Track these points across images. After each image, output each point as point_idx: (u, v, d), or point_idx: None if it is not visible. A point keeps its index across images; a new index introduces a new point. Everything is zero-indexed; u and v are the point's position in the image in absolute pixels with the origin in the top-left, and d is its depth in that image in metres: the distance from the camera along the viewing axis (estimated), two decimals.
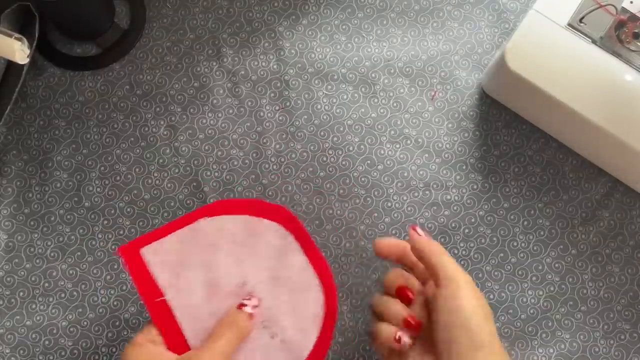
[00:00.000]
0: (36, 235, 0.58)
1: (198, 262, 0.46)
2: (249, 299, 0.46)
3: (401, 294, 0.45)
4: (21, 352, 0.57)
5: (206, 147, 0.60)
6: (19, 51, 0.47)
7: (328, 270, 0.47)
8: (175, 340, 0.45)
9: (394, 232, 0.58)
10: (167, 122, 0.60)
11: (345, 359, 0.57)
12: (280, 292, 0.47)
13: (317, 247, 0.47)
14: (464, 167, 0.59)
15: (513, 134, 0.60)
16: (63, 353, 0.57)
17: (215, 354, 0.43)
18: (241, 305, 0.46)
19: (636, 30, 0.54)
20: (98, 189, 0.59)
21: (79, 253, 0.58)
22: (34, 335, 0.57)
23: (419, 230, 0.45)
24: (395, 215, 0.58)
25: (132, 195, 0.59)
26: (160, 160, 0.60)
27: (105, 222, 0.59)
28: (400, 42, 0.62)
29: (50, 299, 0.57)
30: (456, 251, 0.58)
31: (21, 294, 0.58)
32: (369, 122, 0.60)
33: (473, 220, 0.59)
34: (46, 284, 0.58)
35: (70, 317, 0.57)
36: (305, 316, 0.47)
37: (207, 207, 0.47)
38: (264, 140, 0.60)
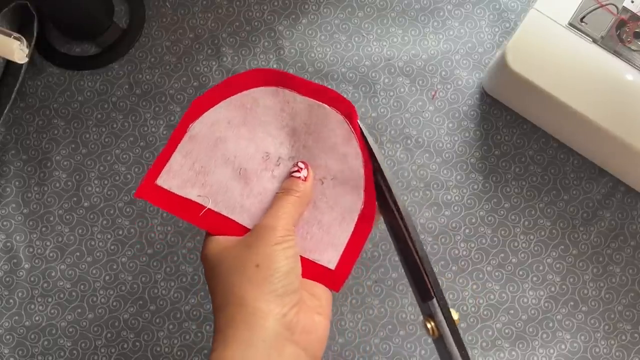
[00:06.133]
0: (35, 236, 0.58)
1: (212, 162, 0.45)
2: (297, 170, 0.45)
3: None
4: (20, 352, 0.57)
5: None
6: (17, 51, 0.46)
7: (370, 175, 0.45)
8: (240, 233, 0.45)
9: None
10: (167, 122, 0.60)
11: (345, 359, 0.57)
12: (308, 140, 0.45)
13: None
14: (465, 167, 0.59)
15: (514, 133, 0.60)
16: (62, 353, 0.57)
17: (280, 218, 0.42)
18: (292, 175, 0.45)
19: (637, 30, 0.54)
20: (97, 189, 0.59)
21: (78, 253, 0.58)
22: (33, 336, 0.57)
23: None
24: None
25: (131, 195, 0.59)
26: None
27: (105, 222, 0.58)
28: (400, 41, 0.61)
29: (49, 299, 0.57)
30: (457, 251, 0.58)
31: (20, 294, 0.57)
32: (369, 121, 0.60)
33: (474, 220, 0.58)
34: (45, 284, 0.57)
35: (69, 317, 0.57)
36: (342, 149, 0.45)
37: (190, 110, 0.46)
38: None
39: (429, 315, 0.41)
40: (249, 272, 0.40)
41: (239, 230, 0.44)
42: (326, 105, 0.45)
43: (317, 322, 0.42)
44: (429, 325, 0.41)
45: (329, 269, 0.45)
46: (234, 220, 0.45)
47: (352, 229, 0.45)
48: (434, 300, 0.41)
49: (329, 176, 0.45)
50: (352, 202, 0.45)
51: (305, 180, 0.44)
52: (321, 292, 0.44)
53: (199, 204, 0.45)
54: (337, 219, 0.45)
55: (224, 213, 0.45)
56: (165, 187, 0.45)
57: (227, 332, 0.39)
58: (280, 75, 0.45)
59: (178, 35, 0.61)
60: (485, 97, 0.60)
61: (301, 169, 0.45)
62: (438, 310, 0.41)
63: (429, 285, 0.41)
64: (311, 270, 0.45)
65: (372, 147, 0.44)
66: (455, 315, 0.40)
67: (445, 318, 0.40)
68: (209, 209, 0.45)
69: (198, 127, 0.45)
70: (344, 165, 0.45)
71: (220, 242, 0.43)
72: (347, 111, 0.45)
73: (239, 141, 0.45)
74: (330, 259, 0.45)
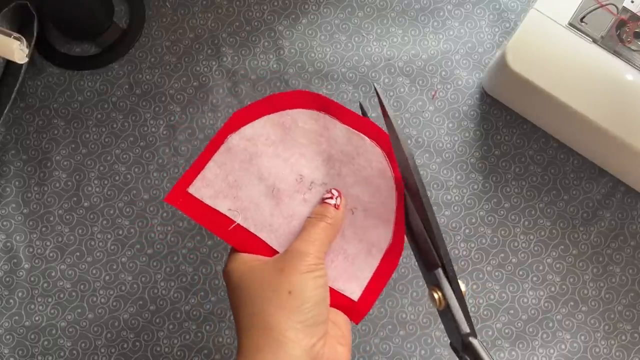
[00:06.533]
0: (35, 236, 0.58)
1: (246, 176, 0.45)
2: (330, 196, 0.44)
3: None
4: (20, 352, 0.57)
5: None
6: (17, 51, 0.46)
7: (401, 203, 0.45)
8: (266, 253, 0.44)
9: None
10: (167, 122, 0.60)
11: None
12: (343, 168, 0.45)
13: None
14: (465, 167, 0.59)
15: (514, 133, 0.60)
16: (62, 353, 0.57)
17: (312, 244, 0.42)
18: (325, 202, 0.44)
19: (637, 30, 0.54)
20: (97, 189, 0.59)
21: (78, 253, 0.58)
22: (32, 336, 0.57)
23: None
24: None
25: (131, 195, 0.59)
26: (160, 160, 0.59)
27: (105, 222, 0.58)
28: (400, 41, 0.61)
29: (49, 300, 0.57)
30: (457, 251, 0.58)
31: (20, 294, 0.57)
32: None
33: (474, 220, 0.58)
34: (45, 284, 0.57)
35: (69, 317, 0.57)
36: (376, 182, 0.45)
37: (229, 121, 0.45)
38: None
39: (435, 285, 0.40)
40: (280, 298, 0.39)
41: (266, 250, 0.44)
42: (366, 137, 0.45)
43: (340, 353, 0.41)
44: (436, 296, 0.40)
45: (352, 300, 0.44)
46: (261, 239, 0.44)
47: (377, 264, 0.45)
48: (440, 269, 0.40)
49: (360, 207, 0.45)
50: (381, 236, 0.45)
51: (337, 208, 0.44)
52: (342, 321, 0.44)
53: (228, 217, 0.44)
54: (363, 251, 0.45)
55: (252, 230, 0.44)
56: (197, 196, 0.44)
57: (253, 358, 0.38)
58: (324, 100, 0.45)
59: (178, 35, 0.61)
60: (485, 97, 0.60)
61: (334, 195, 0.44)
62: (445, 280, 0.40)
63: (436, 253, 0.40)
64: (334, 299, 0.44)
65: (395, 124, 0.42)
66: (462, 287, 0.40)
67: (453, 289, 0.39)
68: (238, 224, 0.44)
69: (236, 139, 0.45)
70: (377, 199, 0.45)
71: (247, 260, 0.42)
72: (387, 146, 0.44)
73: (274, 160, 0.45)
74: (353, 290, 0.44)
